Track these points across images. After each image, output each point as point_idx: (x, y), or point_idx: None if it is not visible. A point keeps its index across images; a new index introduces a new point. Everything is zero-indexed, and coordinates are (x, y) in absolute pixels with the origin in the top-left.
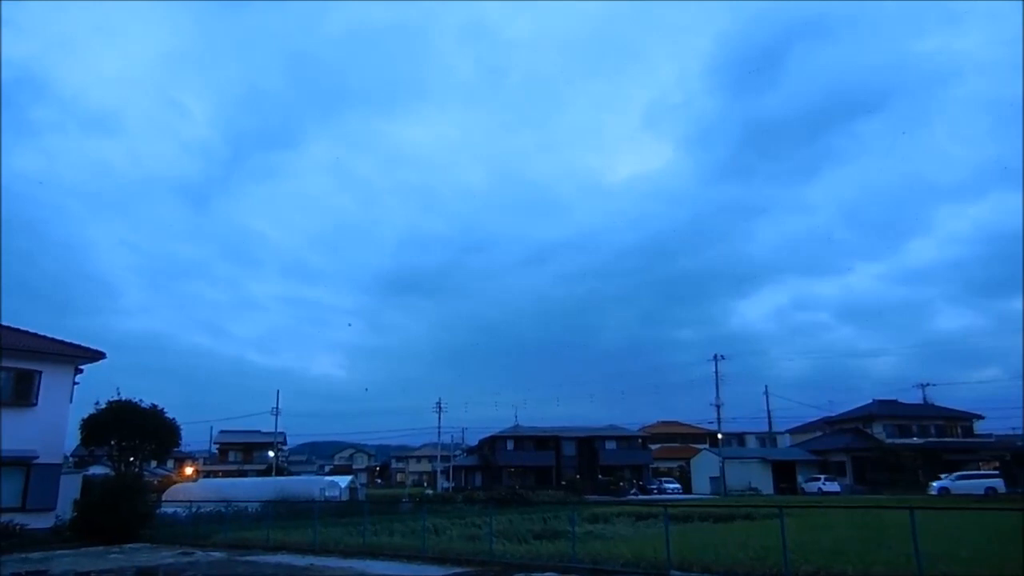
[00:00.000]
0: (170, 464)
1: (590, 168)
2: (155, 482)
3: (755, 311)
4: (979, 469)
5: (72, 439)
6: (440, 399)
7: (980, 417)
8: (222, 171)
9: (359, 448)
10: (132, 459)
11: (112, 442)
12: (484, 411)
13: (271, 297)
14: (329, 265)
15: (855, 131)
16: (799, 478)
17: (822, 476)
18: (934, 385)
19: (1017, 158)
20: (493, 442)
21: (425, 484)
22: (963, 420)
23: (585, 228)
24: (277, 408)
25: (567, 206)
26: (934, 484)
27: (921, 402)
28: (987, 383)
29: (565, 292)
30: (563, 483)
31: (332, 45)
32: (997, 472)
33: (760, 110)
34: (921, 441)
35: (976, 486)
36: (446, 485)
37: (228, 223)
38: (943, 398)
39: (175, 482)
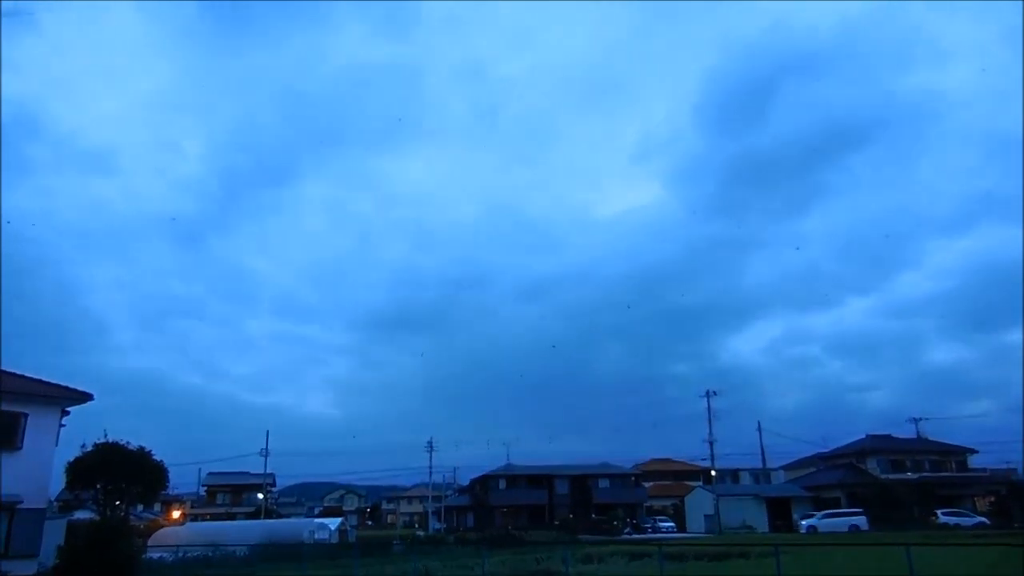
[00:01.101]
0: (157, 507)
1: (582, 203)
2: (141, 526)
3: (748, 345)
4: (973, 503)
5: (57, 482)
6: (431, 438)
7: (974, 451)
8: (216, 209)
9: (350, 489)
10: (118, 503)
11: (98, 485)
12: (476, 450)
13: (264, 335)
14: (322, 302)
15: (844, 166)
16: (794, 515)
17: (817, 513)
18: (928, 419)
19: (1004, 190)
20: (485, 481)
21: (416, 525)
22: (957, 454)
23: (578, 263)
24: (266, 449)
25: (560, 241)
26: (803, 523)
27: (915, 436)
28: (980, 417)
29: (558, 327)
30: (556, 522)
31: (327, 83)
32: (861, 511)
33: (749, 145)
34: (916, 476)
35: (841, 524)
36: (437, 526)
37: (221, 261)
38: (937, 432)
39: (162, 526)
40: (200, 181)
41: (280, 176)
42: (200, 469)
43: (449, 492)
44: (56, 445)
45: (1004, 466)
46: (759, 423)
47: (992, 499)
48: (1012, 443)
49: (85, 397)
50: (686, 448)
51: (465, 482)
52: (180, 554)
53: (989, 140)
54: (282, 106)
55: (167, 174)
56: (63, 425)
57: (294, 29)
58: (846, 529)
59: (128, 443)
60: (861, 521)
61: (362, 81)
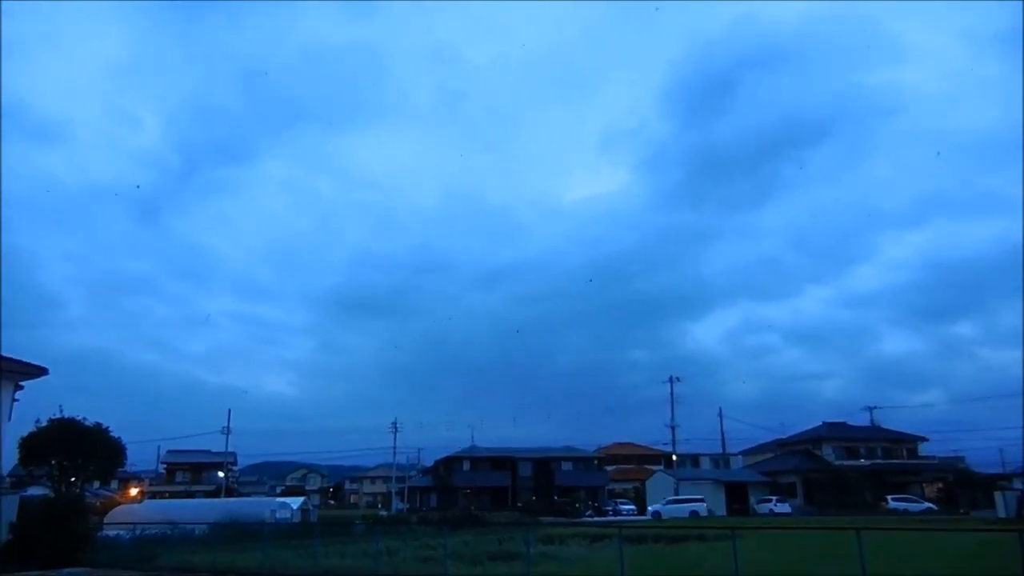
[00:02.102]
0: (114, 485)
1: (546, 191)
2: (97, 504)
3: (708, 334)
4: (922, 491)
5: (10, 458)
6: (395, 419)
7: (924, 439)
8: (172, 184)
9: (312, 468)
10: (73, 479)
11: (53, 462)
12: (440, 432)
13: (222, 314)
14: (281, 282)
15: (804, 159)
16: (751, 499)
17: (773, 497)
18: (881, 408)
19: (955, 187)
20: (449, 463)
21: (379, 505)
22: (908, 442)
23: (541, 250)
24: (228, 427)
25: (523, 228)
26: (649, 508)
27: (868, 424)
28: (930, 406)
29: (521, 313)
30: (519, 504)
31: (290, 62)
32: (701, 498)
33: (711, 137)
34: (868, 463)
35: (683, 510)
36: (401, 506)
37: (178, 237)
38: (890, 421)
39: (118, 503)
40: (156, 155)
41: (239, 153)
42: (159, 447)
43: (413, 473)
44: (9, 420)
45: (952, 454)
46: (720, 409)
47: (940, 486)
48: (959, 431)
49: (39, 371)
50: (648, 433)
51: (429, 463)
52: (137, 532)
53: (942, 138)
54: (243, 83)
55: (122, 146)
56: (16, 400)
57: (257, 5)
58: (687, 514)
59: (84, 419)
60: (701, 507)
61: (326, 61)
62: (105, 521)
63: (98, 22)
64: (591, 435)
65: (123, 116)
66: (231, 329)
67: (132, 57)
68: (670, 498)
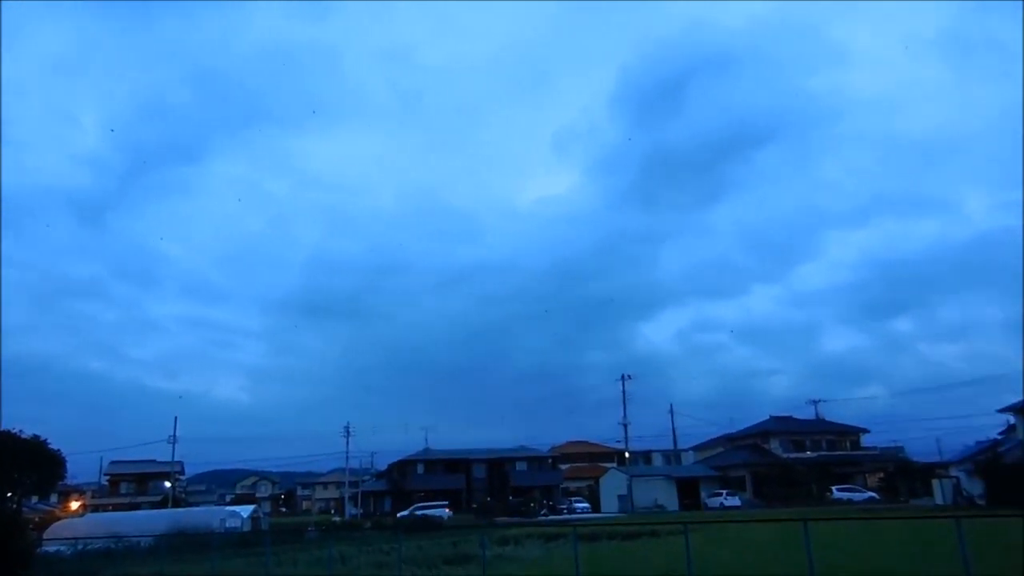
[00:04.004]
0: (54, 498)
1: (503, 192)
2: (36, 518)
3: (659, 333)
4: (865, 481)
5: None
6: (348, 423)
7: (866, 431)
8: (118, 185)
9: (263, 475)
10: (10, 494)
11: None
12: (394, 435)
13: (171, 318)
14: (234, 286)
15: (752, 160)
16: (702, 494)
17: (724, 491)
18: (825, 401)
19: (897, 188)
20: (403, 466)
21: (333, 511)
22: (851, 434)
23: (497, 252)
24: (175, 436)
25: (480, 229)
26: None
27: (814, 418)
28: (872, 399)
29: (476, 315)
30: (474, 506)
31: (242, 61)
32: (445, 503)
33: (662, 139)
34: (814, 455)
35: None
36: (354, 512)
37: (124, 240)
38: (834, 414)
39: (59, 518)
40: (100, 155)
41: (189, 154)
42: (102, 458)
43: (366, 477)
44: None
45: (892, 444)
46: (671, 406)
47: (881, 475)
48: (899, 423)
49: None
50: (602, 431)
51: (383, 467)
52: (79, 547)
53: (885, 141)
54: (193, 82)
55: (63, 146)
56: None
57: (210, 3)
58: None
59: (20, 431)
60: (443, 512)
61: (279, 60)
62: (45, 537)
63: (41, 18)
64: (546, 435)
65: (63, 114)
66: (181, 334)
67: (76, 55)
68: (417, 505)
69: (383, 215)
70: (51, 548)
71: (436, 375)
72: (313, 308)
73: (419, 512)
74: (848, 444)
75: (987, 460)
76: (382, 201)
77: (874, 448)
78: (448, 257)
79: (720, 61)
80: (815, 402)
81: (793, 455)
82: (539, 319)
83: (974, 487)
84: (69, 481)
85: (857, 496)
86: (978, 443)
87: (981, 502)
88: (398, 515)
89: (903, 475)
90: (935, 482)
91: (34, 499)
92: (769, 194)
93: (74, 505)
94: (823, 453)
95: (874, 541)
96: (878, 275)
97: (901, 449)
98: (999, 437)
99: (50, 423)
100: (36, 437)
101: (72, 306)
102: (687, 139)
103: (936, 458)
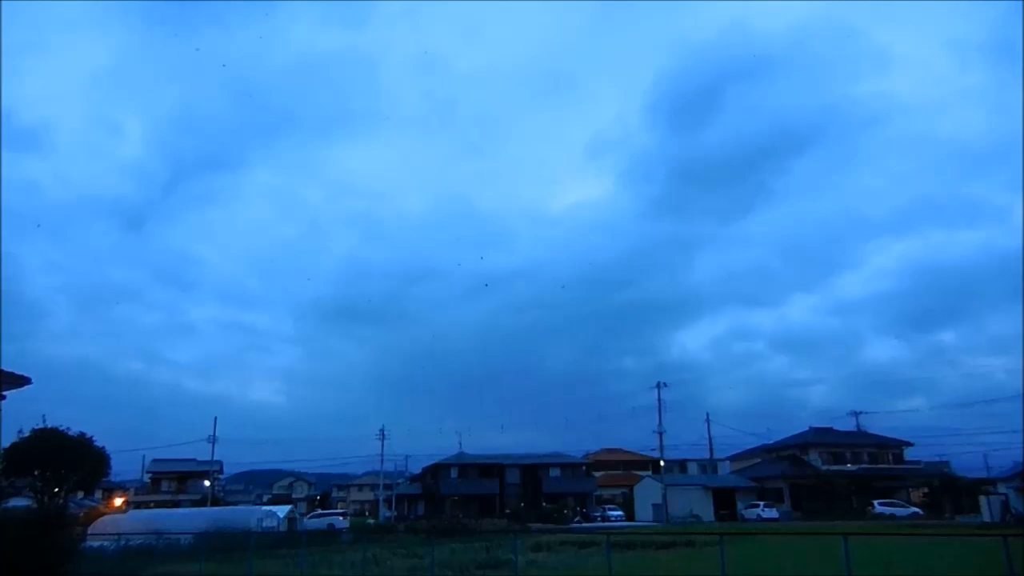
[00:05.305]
0: (98, 495)
1: (534, 198)
2: (81, 514)
3: (695, 341)
4: (908, 496)
5: None
6: (383, 427)
7: (909, 444)
8: (159, 193)
9: (299, 477)
10: (57, 490)
11: (35, 472)
12: (428, 439)
13: (209, 322)
14: (269, 291)
15: (789, 168)
16: (739, 505)
17: (761, 503)
18: (866, 413)
19: (940, 195)
20: (436, 470)
21: (367, 513)
22: (893, 448)
23: (529, 258)
24: (214, 436)
25: (512, 236)
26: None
27: (854, 430)
28: (915, 412)
29: (510, 321)
30: (507, 512)
31: (279, 70)
32: (343, 512)
33: (697, 146)
34: (854, 468)
35: (321, 523)
36: (388, 514)
37: (164, 246)
38: (875, 426)
39: (102, 514)
40: (142, 164)
41: (227, 162)
42: (144, 456)
43: (400, 481)
44: None
45: (937, 459)
46: (707, 415)
47: (925, 491)
48: (944, 437)
49: (22, 381)
50: (636, 439)
51: (416, 471)
52: (121, 543)
53: (927, 147)
54: (231, 91)
55: (106, 156)
56: None
57: (246, 14)
58: (324, 527)
59: (67, 429)
60: (337, 521)
61: (315, 69)
62: (89, 532)
63: (83, 29)
64: (579, 442)
65: (108, 125)
66: (218, 337)
67: (117, 65)
68: (313, 513)
69: (415, 221)
70: (95, 543)
71: (468, 380)
72: (347, 313)
73: (315, 519)
74: (890, 457)
75: None
76: (414, 207)
77: (918, 462)
78: (480, 263)
79: (758, 66)
80: (856, 414)
81: (833, 468)
82: (572, 325)
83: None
84: (113, 478)
85: (900, 511)
86: None
87: None
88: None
89: (948, 491)
90: (982, 499)
91: (79, 495)
92: (808, 202)
93: (117, 502)
94: (864, 466)
95: (918, 558)
96: (921, 284)
97: (946, 464)
98: None
99: (95, 423)
100: (82, 435)
101: (114, 311)
102: (723, 146)
103: (983, 474)
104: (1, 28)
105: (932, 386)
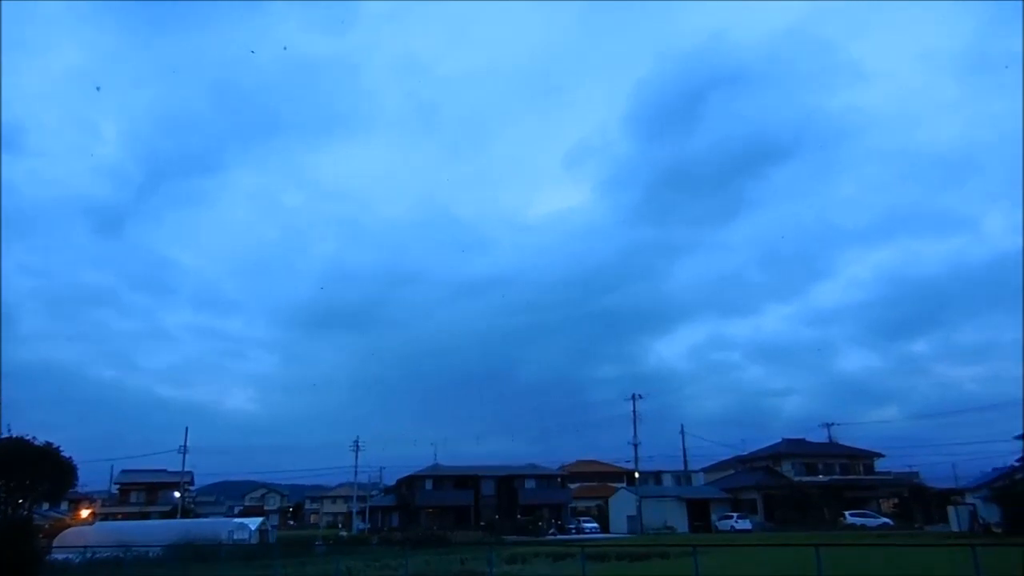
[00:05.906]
0: (64, 506)
1: (515, 204)
2: (46, 526)
3: (672, 349)
4: (879, 506)
5: None
6: (358, 437)
7: (880, 455)
8: (135, 196)
9: (272, 488)
10: (21, 501)
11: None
12: (403, 449)
13: (184, 328)
14: (247, 296)
15: (768, 177)
16: (713, 516)
17: (734, 514)
18: (838, 424)
19: (915, 205)
20: (411, 482)
21: (340, 525)
22: (865, 458)
23: (509, 264)
24: (185, 446)
25: (492, 241)
26: None
27: (826, 441)
28: (886, 423)
29: (488, 328)
30: (482, 523)
31: (260, 73)
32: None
33: (677, 154)
34: (827, 479)
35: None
36: (362, 526)
37: (141, 249)
38: (847, 437)
39: (69, 525)
40: (120, 166)
41: (206, 165)
42: (112, 466)
43: (374, 492)
44: None
45: (907, 469)
46: (682, 426)
47: (896, 501)
48: (914, 448)
49: None
50: (612, 450)
51: (391, 482)
52: (88, 555)
53: (903, 158)
54: (211, 94)
55: (82, 156)
56: None
57: (227, 17)
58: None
59: (34, 438)
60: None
61: (297, 72)
62: (55, 544)
63: (61, 28)
64: (556, 452)
65: (84, 125)
66: (193, 343)
67: (96, 65)
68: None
69: (396, 227)
70: (60, 556)
71: (446, 388)
72: (325, 319)
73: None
74: (861, 468)
75: (1004, 487)
76: (395, 212)
77: (888, 473)
78: (460, 269)
79: (737, 76)
80: (827, 425)
81: (806, 478)
82: (549, 333)
83: (991, 514)
84: (80, 489)
85: (871, 521)
86: (995, 469)
87: (998, 530)
88: None
89: (918, 501)
90: (951, 508)
91: (45, 506)
92: (785, 211)
93: (84, 513)
94: (836, 477)
95: (888, 568)
96: (895, 294)
97: (916, 474)
98: (1016, 464)
99: (62, 430)
100: (48, 444)
101: (87, 314)
102: (702, 154)
103: (952, 484)
104: (1, 28)
105: (903, 396)
